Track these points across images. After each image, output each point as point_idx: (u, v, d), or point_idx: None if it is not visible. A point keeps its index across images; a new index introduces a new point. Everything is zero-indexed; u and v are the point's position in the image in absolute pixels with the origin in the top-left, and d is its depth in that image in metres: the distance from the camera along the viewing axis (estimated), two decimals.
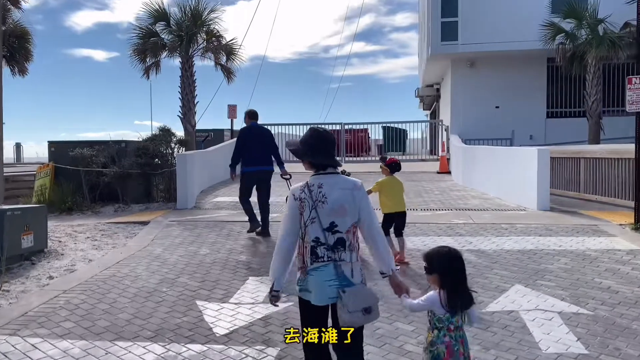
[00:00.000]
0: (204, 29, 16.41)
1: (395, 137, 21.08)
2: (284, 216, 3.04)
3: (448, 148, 16.65)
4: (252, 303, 5.25)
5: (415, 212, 9.99)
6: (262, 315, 4.90)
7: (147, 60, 16.42)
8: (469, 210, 10.09)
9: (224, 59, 17.14)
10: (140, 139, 12.74)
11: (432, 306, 2.84)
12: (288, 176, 7.94)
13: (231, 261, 6.86)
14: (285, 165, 8.45)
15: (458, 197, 11.90)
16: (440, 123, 17.48)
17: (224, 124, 23.51)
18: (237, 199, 8.92)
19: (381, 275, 3.02)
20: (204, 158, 13.66)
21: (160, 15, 16.07)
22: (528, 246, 7.18)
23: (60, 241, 8.28)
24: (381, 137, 22.49)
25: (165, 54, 16.68)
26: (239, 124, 28.38)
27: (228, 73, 17.24)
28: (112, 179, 11.83)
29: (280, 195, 9.49)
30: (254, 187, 8.21)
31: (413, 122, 19.64)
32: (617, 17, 13.59)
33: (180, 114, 16.62)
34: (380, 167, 6.81)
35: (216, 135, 20.70)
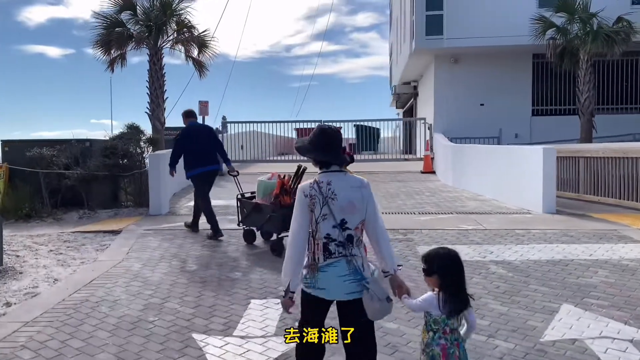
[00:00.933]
0: (174, 19, 15.22)
1: (368, 136, 20.45)
2: (294, 214, 2.98)
3: (431, 147, 16.03)
4: (263, 336, 4.33)
5: (415, 216, 9.22)
6: (279, 354, 4.00)
7: (112, 52, 15.12)
8: (471, 213, 9.38)
9: (195, 51, 15.97)
10: (107, 138, 11.55)
11: (429, 307, 2.81)
12: (235, 173, 7.82)
13: (225, 280, 5.90)
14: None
15: (452, 198, 11.21)
16: (423, 121, 16.81)
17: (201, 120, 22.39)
18: (217, 202, 8.69)
19: (383, 274, 3.00)
20: None
21: (126, 3, 14.81)
22: (556, 256, 6.48)
23: (17, 256, 7.12)
24: (353, 136, 21.80)
25: (131, 45, 15.38)
26: (211, 121, 27.42)
27: (200, 67, 16.08)
28: (75, 182, 10.61)
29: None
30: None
31: (391, 119, 19.01)
32: (610, 11, 13.20)
33: (148, 111, 15.41)
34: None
35: None
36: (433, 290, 2.84)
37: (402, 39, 20.14)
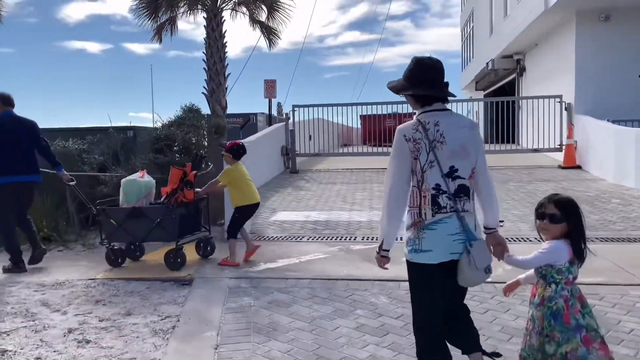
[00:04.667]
0: None
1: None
2: (391, 162, 2.59)
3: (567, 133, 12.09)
4: None
5: None
6: None
7: (160, 16, 11.76)
8: None
9: (263, 14, 12.46)
10: (159, 124, 8.14)
11: (555, 257, 2.56)
12: (73, 182, 6.14)
13: None
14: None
15: None
16: (557, 100, 12.83)
17: (251, 106, 18.67)
18: (307, 213, 7.67)
19: (485, 231, 2.65)
20: (255, 151, 9.06)
21: None
22: None
23: (4, 351, 3.69)
24: None
25: (183, 8, 12.01)
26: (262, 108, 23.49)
27: (269, 34, 12.55)
28: (114, 189, 7.23)
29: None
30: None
31: (478, 100, 14.82)
32: None
33: (205, 91, 11.88)
34: (222, 155, 5.92)
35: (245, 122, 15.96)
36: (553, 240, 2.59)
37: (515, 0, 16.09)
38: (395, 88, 2.67)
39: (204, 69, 11.87)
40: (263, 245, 6.30)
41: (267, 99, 13.86)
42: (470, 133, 2.59)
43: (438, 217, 2.50)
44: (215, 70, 11.70)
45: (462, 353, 2.76)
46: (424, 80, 2.57)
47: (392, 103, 14.19)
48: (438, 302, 2.60)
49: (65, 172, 6.07)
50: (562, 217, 2.58)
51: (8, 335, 3.87)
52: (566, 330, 2.50)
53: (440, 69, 2.62)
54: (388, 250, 2.62)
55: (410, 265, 2.60)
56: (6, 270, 5.68)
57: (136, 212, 5.49)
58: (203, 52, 11.88)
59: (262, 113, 15.46)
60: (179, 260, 5.40)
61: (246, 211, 5.78)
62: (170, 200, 5.46)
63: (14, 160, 5.66)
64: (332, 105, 14.59)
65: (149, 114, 58.52)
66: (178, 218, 5.38)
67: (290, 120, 13.64)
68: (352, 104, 15.22)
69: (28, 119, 5.95)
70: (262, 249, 6.08)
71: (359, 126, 20.51)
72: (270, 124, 14.78)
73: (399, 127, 2.61)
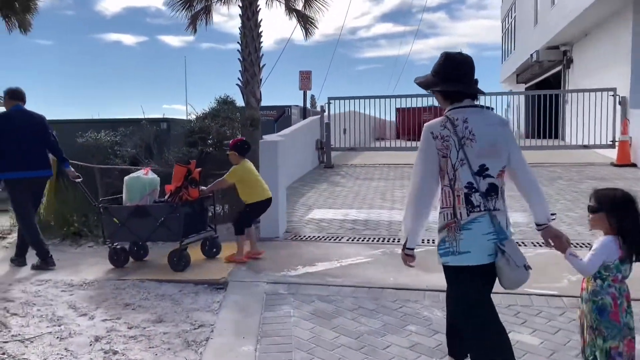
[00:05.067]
0: None
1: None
2: (417, 160, 2.52)
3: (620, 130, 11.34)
4: None
5: None
6: None
7: (195, 5, 11.46)
8: None
9: (300, 3, 12.03)
10: (193, 116, 7.83)
11: (605, 252, 2.50)
12: (79, 179, 5.89)
13: None
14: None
15: None
16: (611, 93, 12.05)
17: (283, 99, 18.30)
18: (345, 211, 7.39)
19: (537, 228, 2.57)
20: (292, 145, 8.71)
21: None
22: None
23: (32, 341, 3.40)
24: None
25: None
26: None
27: (306, 22, 12.13)
28: None
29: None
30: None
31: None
32: None
33: (240, 83, 11.53)
34: (227, 154, 5.55)
35: (279, 115, 15.59)
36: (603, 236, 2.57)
37: None
38: (424, 83, 2.59)
39: (239, 59, 11.51)
40: (301, 246, 5.93)
41: (302, 91, 13.46)
42: (501, 130, 2.51)
43: (473, 217, 2.43)
44: (250, 60, 11.31)
45: None
46: (454, 76, 2.51)
47: (429, 96, 13.58)
48: (484, 296, 2.51)
49: (71, 169, 5.88)
50: (598, 208, 2.56)
51: (32, 342, 3.60)
52: (613, 327, 2.49)
53: (471, 65, 2.55)
54: (413, 249, 2.56)
55: (448, 269, 2.52)
56: (35, 267, 5.48)
57: (139, 210, 5.23)
58: (238, 43, 11.50)
59: (296, 105, 15.09)
60: (182, 261, 5.13)
61: (258, 208, 5.56)
62: (175, 199, 5.21)
63: (27, 156, 5.49)
64: (368, 97, 14.12)
65: (182, 106, 58.94)
66: (182, 217, 5.13)
67: (325, 113, 13.23)
68: (388, 97, 14.70)
69: (37, 114, 5.78)
70: (302, 249, 5.72)
71: (394, 119, 19.97)
72: (304, 117, 14.40)
73: (426, 124, 2.54)
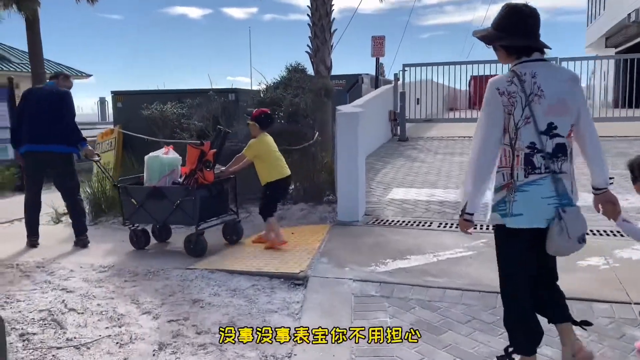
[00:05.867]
0: None
1: None
2: (481, 118, 2.37)
3: None
4: None
5: None
6: None
7: None
8: None
9: None
10: (263, 86, 7.18)
11: None
12: (97, 157, 5.80)
13: None
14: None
15: None
16: None
17: (349, 68, 17.32)
18: (429, 190, 6.73)
19: (593, 191, 2.43)
20: (366, 117, 7.91)
21: None
22: None
23: (88, 348, 2.92)
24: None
25: None
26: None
27: None
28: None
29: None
30: (42, 176, 5.55)
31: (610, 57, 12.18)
32: None
33: (309, 50, 10.80)
34: (248, 124, 5.30)
35: (349, 84, 14.71)
36: None
37: None
38: (488, 37, 2.41)
39: (308, 24, 10.73)
40: (385, 233, 5.22)
41: (375, 58, 12.53)
42: (572, 86, 2.34)
43: (531, 179, 2.32)
44: (321, 26, 10.51)
45: (549, 322, 2.57)
46: (522, 30, 2.34)
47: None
48: (529, 270, 2.43)
49: (89, 147, 5.71)
50: (636, 177, 2.65)
51: (88, 349, 3.10)
52: None
53: (538, 17, 2.38)
54: (472, 214, 2.44)
55: (499, 230, 2.44)
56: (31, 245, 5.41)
57: (156, 192, 5.00)
58: (308, 7, 10.77)
59: (367, 74, 14.18)
60: (199, 246, 4.89)
61: (279, 186, 5.22)
62: (190, 182, 4.93)
63: (38, 129, 5.35)
64: (445, 64, 13.06)
65: (246, 78, 58.70)
66: (198, 200, 4.83)
67: (400, 82, 12.31)
68: (465, 62, 13.59)
69: (61, 90, 5.59)
70: (387, 237, 5.01)
71: (468, 88, 18.72)
72: (376, 87, 13.52)
73: (490, 80, 2.39)
